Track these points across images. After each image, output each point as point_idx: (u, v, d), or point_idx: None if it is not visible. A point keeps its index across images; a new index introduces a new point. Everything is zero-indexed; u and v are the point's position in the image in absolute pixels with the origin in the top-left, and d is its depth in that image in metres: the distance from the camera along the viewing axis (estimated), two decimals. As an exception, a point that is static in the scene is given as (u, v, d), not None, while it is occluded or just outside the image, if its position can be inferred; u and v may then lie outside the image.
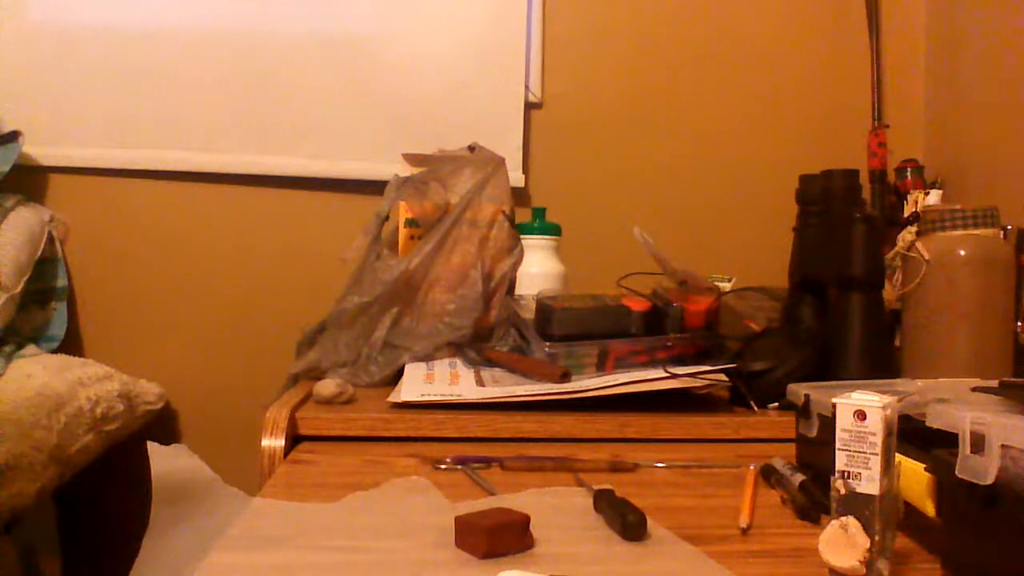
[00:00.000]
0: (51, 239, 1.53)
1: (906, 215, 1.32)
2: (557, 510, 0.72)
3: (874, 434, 0.54)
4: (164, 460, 1.41)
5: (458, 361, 1.25)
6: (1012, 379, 0.67)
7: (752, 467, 0.85)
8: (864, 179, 1.37)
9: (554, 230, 1.44)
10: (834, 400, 0.56)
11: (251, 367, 1.60)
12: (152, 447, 1.41)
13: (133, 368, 1.49)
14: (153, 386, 1.50)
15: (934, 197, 1.43)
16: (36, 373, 1.28)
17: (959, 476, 0.55)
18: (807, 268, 1.26)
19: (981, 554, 0.55)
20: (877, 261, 1.16)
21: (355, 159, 1.61)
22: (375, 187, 1.47)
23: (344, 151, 1.61)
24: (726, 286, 1.41)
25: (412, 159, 1.47)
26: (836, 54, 1.71)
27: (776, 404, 1.09)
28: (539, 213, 1.46)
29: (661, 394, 1.05)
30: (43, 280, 1.51)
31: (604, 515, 0.70)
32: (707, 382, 1.07)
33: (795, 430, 0.85)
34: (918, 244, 1.22)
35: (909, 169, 1.57)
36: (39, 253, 1.48)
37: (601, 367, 1.13)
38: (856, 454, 0.55)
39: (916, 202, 1.38)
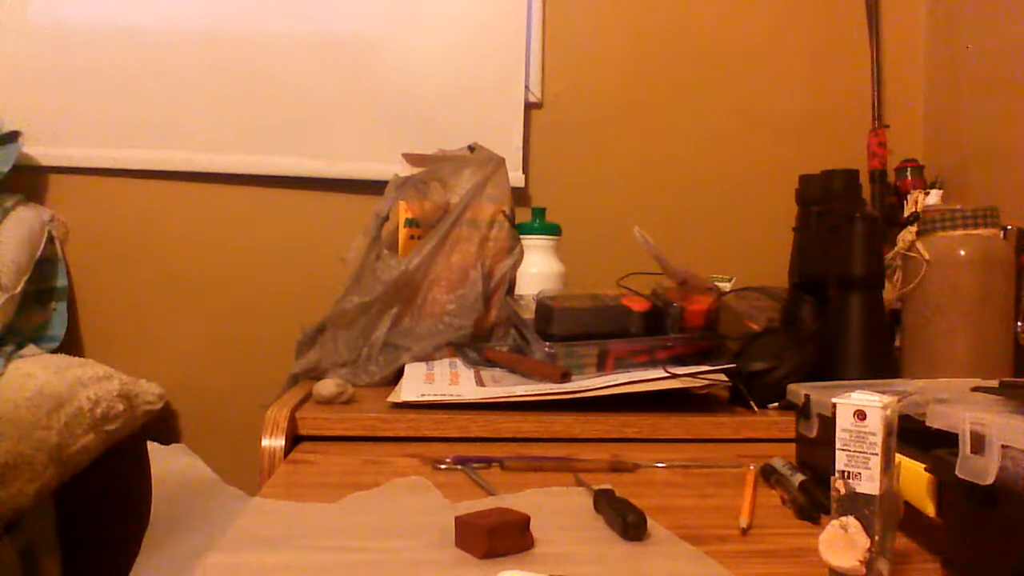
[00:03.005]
0: (51, 239, 1.53)
1: (906, 215, 1.32)
2: (557, 510, 0.72)
3: (874, 434, 0.54)
4: (164, 460, 1.40)
5: (458, 361, 1.25)
6: (1012, 379, 0.67)
7: (752, 467, 0.85)
8: (864, 179, 1.37)
9: (554, 230, 1.44)
10: (834, 400, 0.56)
11: (251, 367, 1.60)
12: (152, 447, 1.41)
13: (133, 368, 1.49)
14: (153, 386, 1.50)
15: (934, 197, 1.43)
16: (36, 373, 1.27)
17: (959, 476, 0.55)
18: (807, 268, 1.26)
19: (981, 554, 0.55)
20: (877, 261, 1.16)
21: (355, 159, 1.61)
22: (375, 187, 1.47)
23: (344, 151, 1.61)
24: (726, 286, 1.41)
25: (412, 159, 1.47)
26: (836, 54, 1.71)
27: (776, 404, 1.09)
28: (539, 213, 1.46)
29: (661, 394, 1.05)
30: (43, 280, 1.51)
31: (604, 515, 0.70)
32: (707, 382, 1.07)
33: (795, 430, 0.85)
34: (918, 244, 1.22)
35: (909, 169, 1.57)
36: (39, 253, 1.48)
37: (601, 367, 1.13)
38: (856, 454, 0.55)
39: (916, 202, 1.38)
